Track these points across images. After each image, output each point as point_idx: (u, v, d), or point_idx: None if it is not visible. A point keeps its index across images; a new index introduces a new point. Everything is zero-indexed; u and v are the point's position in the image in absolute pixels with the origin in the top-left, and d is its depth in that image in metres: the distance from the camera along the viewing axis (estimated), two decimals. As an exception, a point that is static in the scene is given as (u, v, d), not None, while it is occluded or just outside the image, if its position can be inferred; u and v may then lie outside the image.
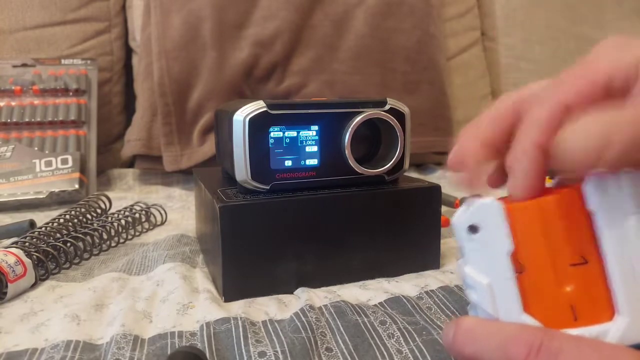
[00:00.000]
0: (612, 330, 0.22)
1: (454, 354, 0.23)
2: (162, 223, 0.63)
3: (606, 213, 0.22)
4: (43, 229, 0.50)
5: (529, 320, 0.22)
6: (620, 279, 0.22)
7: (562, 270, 0.23)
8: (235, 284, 0.39)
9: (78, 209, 0.58)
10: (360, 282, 0.42)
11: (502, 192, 0.25)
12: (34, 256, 0.43)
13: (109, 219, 0.56)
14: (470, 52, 1.17)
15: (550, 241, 0.23)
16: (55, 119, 0.85)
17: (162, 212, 0.64)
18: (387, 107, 0.42)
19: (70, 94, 0.89)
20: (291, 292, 0.40)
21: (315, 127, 0.40)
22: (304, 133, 0.40)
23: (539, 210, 0.23)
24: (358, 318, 0.35)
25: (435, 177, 0.96)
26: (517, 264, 0.23)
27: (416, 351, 0.31)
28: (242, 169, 0.39)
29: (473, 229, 0.23)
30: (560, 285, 0.23)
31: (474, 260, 0.24)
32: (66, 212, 0.56)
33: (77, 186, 0.75)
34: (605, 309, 0.22)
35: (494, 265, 0.23)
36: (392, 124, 0.42)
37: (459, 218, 0.24)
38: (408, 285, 0.41)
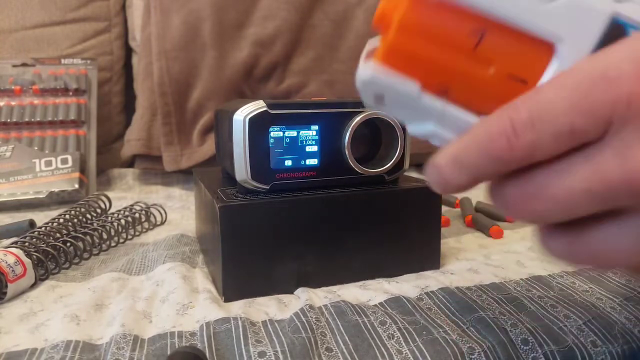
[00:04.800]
0: (560, 63, 0.20)
1: (447, 189, 0.22)
2: (162, 223, 0.63)
3: None
4: (43, 228, 0.50)
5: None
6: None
7: (474, 56, 0.21)
8: (235, 284, 0.39)
9: (78, 209, 0.58)
10: (360, 282, 0.42)
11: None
12: (34, 256, 0.43)
13: (109, 218, 0.56)
14: (470, 52, 1.17)
15: (440, 44, 0.21)
16: (55, 119, 0.84)
17: (162, 212, 0.64)
18: (387, 107, 0.42)
19: (70, 93, 0.89)
20: (291, 292, 0.40)
21: (315, 127, 0.40)
22: (304, 133, 0.40)
23: (407, 35, 0.21)
24: (358, 318, 0.35)
25: (435, 177, 0.96)
26: (436, 88, 0.21)
27: (416, 352, 0.31)
28: (242, 169, 0.39)
29: (379, 99, 0.22)
30: (485, 69, 0.21)
31: (405, 118, 0.22)
32: (66, 212, 0.56)
33: (77, 186, 0.75)
34: (542, 56, 0.20)
35: (421, 111, 0.22)
36: (392, 123, 0.42)
37: (364, 101, 0.22)
38: (408, 285, 0.41)
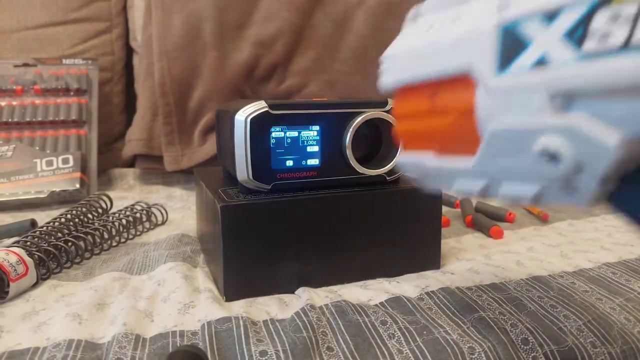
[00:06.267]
0: (481, 88, 0.21)
1: None
2: (163, 223, 0.63)
3: None
4: (44, 228, 0.50)
5: None
6: None
7: (435, 110, 0.24)
8: (236, 283, 0.39)
9: (79, 209, 0.58)
10: (361, 282, 0.42)
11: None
12: (36, 255, 0.43)
13: (110, 218, 0.56)
14: (471, 52, 1.17)
15: (418, 115, 0.26)
16: (57, 119, 0.85)
17: (163, 211, 0.64)
18: (388, 107, 0.42)
19: (72, 93, 0.89)
20: (292, 292, 0.40)
21: (317, 127, 0.40)
22: (305, 133, 0.40)
23: (401, 120, 0.27)
24: (359, 318, 0.35)
25: (436, 177, 0.96)
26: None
27: (417, 351, 0.31)
28: (243, 169, 0.39)
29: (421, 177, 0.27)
30: (445, 117, 0.24)
31: (446, 187, 0.26)
32: (67, 211, 0.57)
33: (78, 186, 0.75)
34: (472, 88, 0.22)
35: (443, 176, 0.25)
36: (393, 124, 0.42)
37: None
38: (408, 285, 0.41)
